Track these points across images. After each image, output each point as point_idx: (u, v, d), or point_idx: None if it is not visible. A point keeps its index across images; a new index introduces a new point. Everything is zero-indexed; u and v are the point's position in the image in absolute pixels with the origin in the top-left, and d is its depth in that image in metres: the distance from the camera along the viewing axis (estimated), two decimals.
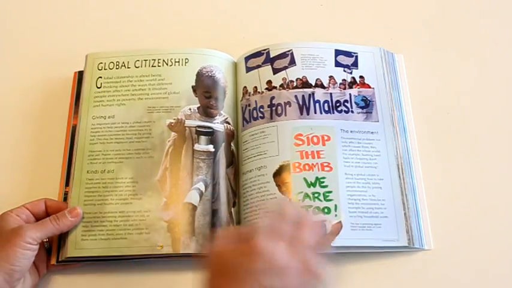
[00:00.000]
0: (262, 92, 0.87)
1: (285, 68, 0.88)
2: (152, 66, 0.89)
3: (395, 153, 0.85)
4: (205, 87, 0.87)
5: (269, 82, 0.88)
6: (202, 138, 0.85)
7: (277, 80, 0.88)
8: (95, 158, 0.84)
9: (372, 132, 0.85)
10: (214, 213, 0.80)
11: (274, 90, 0.87)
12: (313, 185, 0.80)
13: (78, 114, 0.88)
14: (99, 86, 0.88)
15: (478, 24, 0.99)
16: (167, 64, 0.89)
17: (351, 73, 0.89)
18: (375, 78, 0.90)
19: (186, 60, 0.89)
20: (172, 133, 0.84)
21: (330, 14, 1.01)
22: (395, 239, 0.79)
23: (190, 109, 0.86)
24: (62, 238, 0.80)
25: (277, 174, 0.82)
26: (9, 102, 0.94)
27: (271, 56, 0.89)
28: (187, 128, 0.85)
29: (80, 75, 0.91)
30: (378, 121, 0.86)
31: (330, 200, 0.80)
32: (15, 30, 1.01)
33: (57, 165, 0.86)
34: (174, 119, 0.85)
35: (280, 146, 0.83)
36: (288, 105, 0.85)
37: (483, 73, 0.95)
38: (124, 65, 0.89)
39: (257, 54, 0.90)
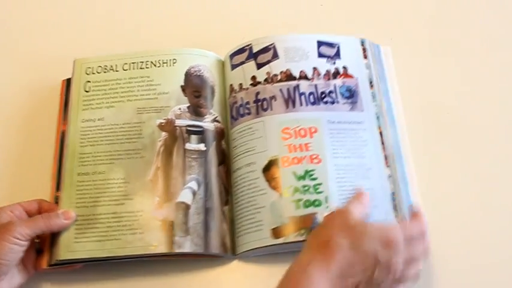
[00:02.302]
0: (247, 88, 0.88)
1: (268, 62, 0.88)
2: (140, 68, 0.90)
3: (381, 143, 0.84)
4: (194, 87, 0.88)
5: (253, 78, 0.88)
6: (193, 137, 0.85)
7: (261, 74, 0.88)
8: (85, 160, 0.84)
9: (358, 122, 0.85)
10: (207, 211, 0.81)
11: (258, 85, 0.87)
12: (303, 178, 0.80)
13: (67, 120, 0.88)
14: (87, 90, 0.89)
15: (473, 21, 1.00)
16: (155, 65, 0.90)
17: (334, 63, 0.89)
18: (358, 68, 0.89)
19: (174, 61, 0.89)
20: (163, 133, 0.85)
21: (327, 11, 1.02)
22: None
23: (180, 109, 0.86)
24: (54, 240, 0.80)
25: (266, 169, 0.82)
26: None
27: (254, 51, 0.89)
28: (177, 128, 0.85)
29: (68, 82, 0.91)
30: (362, 111, 0.86)
31: (320, 192, 0.80)
32: (2, 36, 1.02)
33: (47, 170, 0.87)
34: (164, 119, 0.86)
35: (268, 141, 0.83)
36: (273, 100, 0.85)
37: (474, 68, 0.95)
38: (112, 69, 0.90)
39: (240, 50, 0.90)
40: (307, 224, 0.78)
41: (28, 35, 1.02)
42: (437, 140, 0.89)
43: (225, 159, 0.86)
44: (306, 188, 0.80)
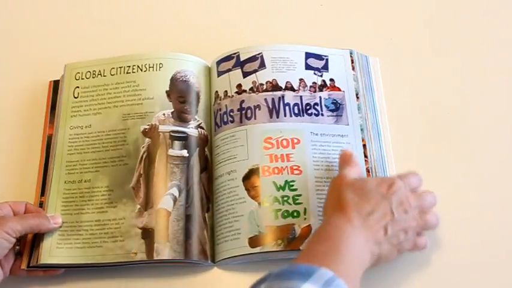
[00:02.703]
0: (232, 96, 0.87)
1: (255, 71, 0.88)
2: (127, 72, 0.89)
3: (364, 156, 0.84)
4: (179, 92, 0.88)
5: (239, 86, 0.87)
6: (176, 143, 0.85)
7: (247, 83, 0.87)
8: (72, 169, 0.85)
9: (342, 136, 0.85)
10: (187, 218, 0.81)
11: (244, 93, 0.87)
12: (283, 188, 0.80)
13: (53, 123, 0.88)
14: (76, 96, 0.89)
15: (473, 22, 0.99)
16: (141, 70, 0.89)
17: (321, 76, 0.89)
18: (345, 81, 0.89)
19: (160, 65, 0.89)
20: (147, 139, 0.85)
21: (327, 16, 1.01)
22: None
23: (164, 114, 0.86)
24: (35, 243, 0.80)
25: (247, 178, 0.82)
26: None
27: (241, 60, 0.89)
28: (161, 134, 0.85)
29: (55, 84, 0.92)
30: (347, 124, 0.86)
31: (299, 203, 0.79)
32: None
33: (32, 174, 0.87)
34: (148, 125, 0.85)
35: (250, 149, 0.83)
36: (257, 109, 0.85)
37: (475, 69, 0.94)
38: (100, 74, 0.90)
39: (227, 58, 0.90)
40: (284, 234, 0.78)
41: (15, 36, 1.02)
42: (437, 141, 0.88)
43: (207, 166, 0.85)
44: (285, 198, 0.80)
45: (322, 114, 0.86)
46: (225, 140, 0.85)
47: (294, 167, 0.81)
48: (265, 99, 0.86)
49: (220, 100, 0.88)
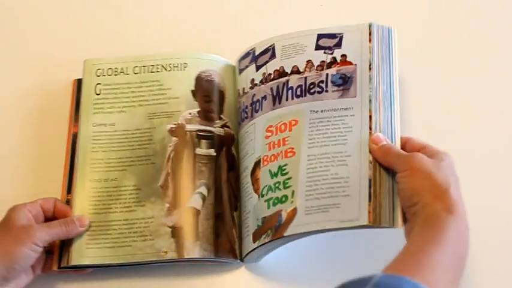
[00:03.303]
0: (248, 92, 0.86)
1: (266, 63, 0.86)
2: (151, 72, 0.90)
3: (368, 128, 0.77)
4: (204, 92, 0.88)
5: (252, 80, 0.86)
6: (203, 142, 0.85)
7: (258, 76, 0.86)
8: (97, 167, 0.85)
9: (346, 109, 0.79)
10: (217, 217, 0.81)
11: (255, 87, 0.85)
12: (276, 175, 0.78)
13: (78, 122, 0.89)
14: (98, 92, 0.89)
15: (478, 19, 0.99)
16: (166, 69, 0.90)
17: (332, 53, 0.84)
18: (360, 54, 0.83)
19: (185, 65, 0.89)
20: (174, 138, 0.85)
21: (327, 17, 1.00)
22: (354, 219, 0.72)
23: (190, 113, 0.86)
24: (65, 244, 0.80)
25: (253, 172, 0.81)
26: (7, 108, 0.96)
27: (256, 54, 0.87)
28: (188, 133, 0.85)
29: (79, 82, 0.92)
30: (355, 96, 0.80)
31: (289, 186, 0.77)
32: (14, 35, 1.03)
33: (58, 172, 0.87)
34: (175, 124, 0.86)
35: (256, 142, 0.82)
36: (264, 100, 0.84)
37: (479, 65, 0.94)
38: (123, 71, 0.90)
39: (246, 54, 0.89)
40: (273, 223, 0.76)
41: (39, 35, 1.02)
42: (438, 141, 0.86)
43: (234, 165, 0.85)
44: (277, 184, 0.78)
45: (327, 91, 0.81)
46: (242, 137, 0.85)
47: (288, 150, 0.79)
48: (271, 88, 0.84)
49: (240, 98, 0.87)
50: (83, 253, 0.79)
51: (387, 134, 0.78)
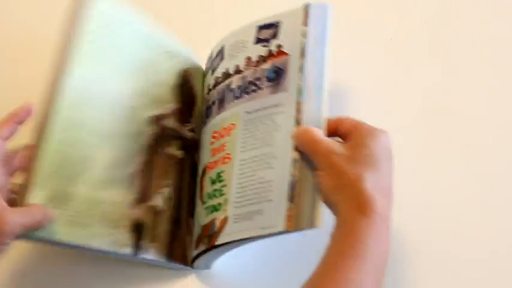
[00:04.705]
0: (205, 97, 0.84)
1: (217, 66, 0.83)
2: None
3: (296, 123, 0.71)
4: (185, 91, 0.86)
5: (208, 86, 0.84)
6: (174, 142, 0.82)
7: (212, 81, 0.83)
8: (72, 127, 0.73)
9: (276, 105, 0.73)
10: (175, 221, 0.79)
11: (210, 92, 0.83)
12: (214, 182, 0.75)
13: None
14: (94, 33, 0.76)
15: (475, 21, 0.98)
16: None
17: (269, 46, 0.78)
18: (293, 41, 0.76)
19: (174, 56, 0.85)
20: (152, 128, 0.81)
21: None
22: (273, 225, 0.67)
23: (170, 108, 0.83)
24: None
25: (201, 179, 0.78)
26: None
27: (212, 58, 0.85)
28: (164, 129, 0.82)
29: None
30: (286, 91, 0.73)
31: (223, 194, 0.73)
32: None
33: None
34: (157, 113, 0.82)
35: (205, 149, 0.80)
36: (213, 105, 0.81)
37: (475, 68, 0.94)
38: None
39: (208, 59, 0.87)
40: (207, 231, 0.73)
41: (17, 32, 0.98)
42: (438, 141, 0.87)
43: (196, 171, 0.82)
44: (215, 192, 0.74)
45: (261, 88, 0.76)
46: (200, 143, 0.83)
47: (226, 156, 0.75)
48: (218, 92, 0.81)
49: (202, 104, 0.86)
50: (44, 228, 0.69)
51: (316, 122, 0.71)
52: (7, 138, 0.69)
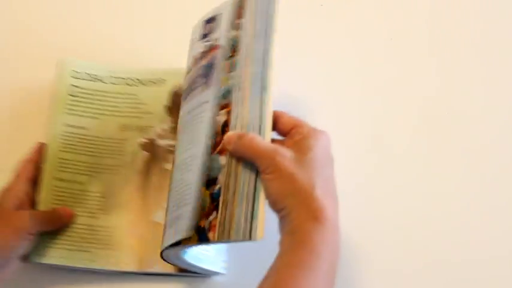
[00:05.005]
0: None
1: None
2: (127, 84, 0.90)
3: (214, 121, 0.68)
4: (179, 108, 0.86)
5: None
6: (171, 157, 0.83)
7: None
8: (65, 167, 0.84)
9: (205, 103, 0.71)
10: None
11: None
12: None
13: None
14: (73, 94, 0.88)
15: (474, 21, 0.98)
16: (143, 84, 0.90)
17: (209, 41, 0.75)
18: (226, 35, 0.73)
19: (163, 81, 0.90)
20: (144, 153, 0.86)
21: (327, 17, 0.99)
22: (185, 229, 0.65)
23: (162, 129, 0.87)
24: None
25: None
26: None
27: None
28: (158, 148, 0.86)
29: None
30: (211, 87, 0.71)
31: (167, 199, 0.74)
32: None
33: None
34: (147, 139, 0.87)
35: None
36: None
37: (475, 68, 0.94)
38: (100, 79, 0.88)
39: None
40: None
41: (16, 34, 1.00)
42: (438, 141, 0.88)
43: None
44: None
45: (198, 86, 0.73)
46: None
47: (174, 160, 0.75)
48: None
49: None
50: (40, 251, 0.78)
51: (255, 124, 0.66)
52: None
